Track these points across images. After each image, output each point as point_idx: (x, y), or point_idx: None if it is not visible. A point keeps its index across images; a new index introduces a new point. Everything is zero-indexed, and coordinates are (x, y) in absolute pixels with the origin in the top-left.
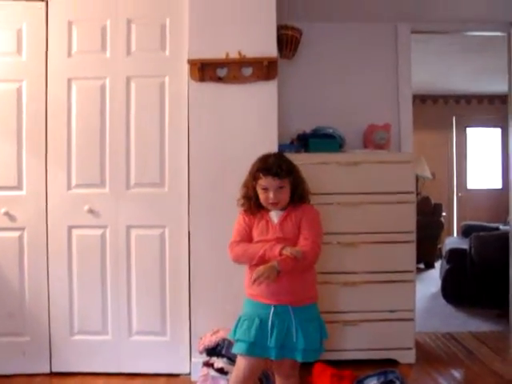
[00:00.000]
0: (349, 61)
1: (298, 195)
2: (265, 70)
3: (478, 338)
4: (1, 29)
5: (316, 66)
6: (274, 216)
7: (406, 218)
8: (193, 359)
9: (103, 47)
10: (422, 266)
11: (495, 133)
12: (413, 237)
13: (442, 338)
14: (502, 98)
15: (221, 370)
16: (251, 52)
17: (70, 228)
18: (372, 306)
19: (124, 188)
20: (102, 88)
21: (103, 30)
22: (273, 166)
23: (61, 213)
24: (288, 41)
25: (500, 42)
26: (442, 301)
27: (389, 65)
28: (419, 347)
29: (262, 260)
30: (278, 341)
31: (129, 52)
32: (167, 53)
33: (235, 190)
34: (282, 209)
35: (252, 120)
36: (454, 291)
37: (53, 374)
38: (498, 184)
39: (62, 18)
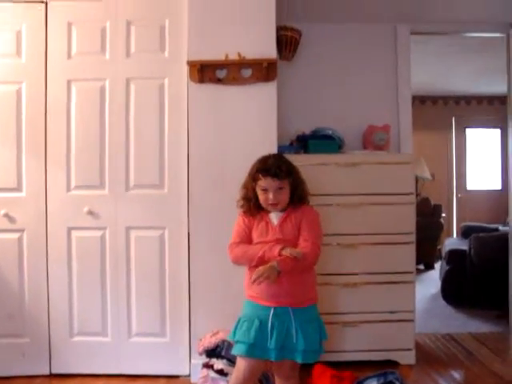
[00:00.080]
0: (348, 62)
1: (298, 196)
2: (264, 71)
3: (478, 338)
4: (0, 30)
5: (315, 67)
6: (274, 217)
7: (406, 219)
8: (192, 360)
9: (103, 49)
10: (421, 267)
11: (495, 134)
12: (412, 238)
13: (442, 338)
14: (501, 99)
15: (220, 372)
16: (250, 53)
17: (70, 229)
18: (372, 307)
19: (123, 189)
20: (102, 89)
21: (103, 31)
22: (272, 166)
23: (60, 214)
24: (287, 42)
25: (499, 43)
26: (442, 302)
27: (388, 66)
28: (419, 348)
29: (262, 261)
30: (278, 342)
31: (128, 53)
32: (166, 54)
33: (235, 191)
34: (282, 210)
35: (251, 121)
36: (453, 292)
37: (52, 376)
38: (497, 185)
39: (61, 19)
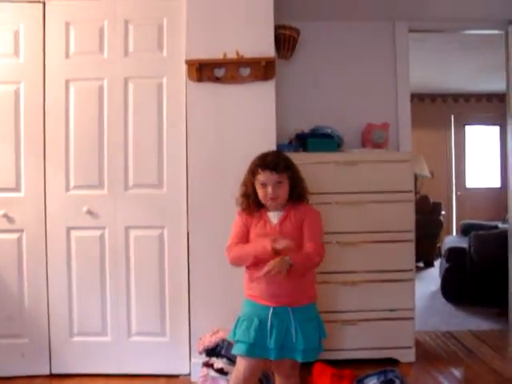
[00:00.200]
0: (347, 60)
1: (297, 193)
2: (262, 70)
3: (478, 336)
4: None
5: (314, 66)
6: (273, 217)
7: (405, 217)
8: (192, 360)
9: (101, 48)
10: (421, 264)
11: (494, 131)
12: (412, 236)
13: (442, 336)
14: (500, 96)
15: (220, 371)
16: (249, 52)
17: (69, 229)
18: (371, 305)
19: (122, 189)
20: (100, 89)
21: (101, 30)
22: (271, 161)
23: (59, 214)
24: (286, 40)
25: (498, 40)
26: (442, 299)
27: (387, 63)
28: (419, 346)
29: (257, 259)
30: (278, 341)
31: (126, 53)
32: (165, 53)
33: (234, 190)
34: (281, 207)
35: (250, 120)
36: (453, 290)
37: (52, 376)
38: (496, 183)
39: (59, 19)
